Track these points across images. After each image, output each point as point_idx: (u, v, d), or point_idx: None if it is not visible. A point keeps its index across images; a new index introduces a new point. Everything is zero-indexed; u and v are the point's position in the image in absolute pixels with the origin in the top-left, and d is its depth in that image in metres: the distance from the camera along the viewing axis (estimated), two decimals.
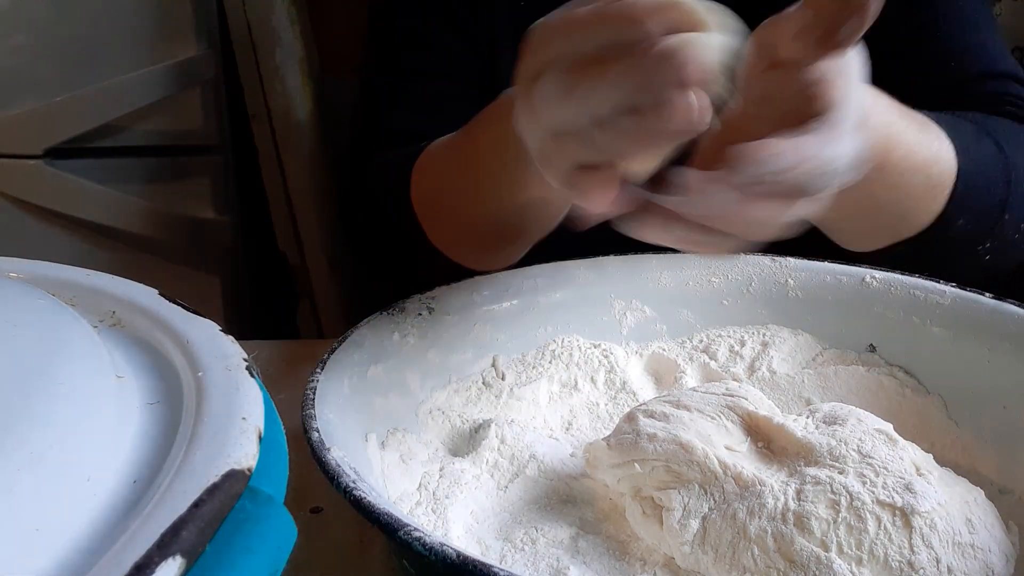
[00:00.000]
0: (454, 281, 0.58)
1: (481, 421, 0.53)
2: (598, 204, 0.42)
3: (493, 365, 0.56)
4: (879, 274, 0.58)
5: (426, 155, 0.70)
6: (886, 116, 0.54)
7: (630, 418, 0.46)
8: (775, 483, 0.41)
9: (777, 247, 0.61)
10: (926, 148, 0.58)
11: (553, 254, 0.61)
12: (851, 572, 0.38)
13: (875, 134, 0.53)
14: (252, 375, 0.32)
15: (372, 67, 0.84)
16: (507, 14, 0.77)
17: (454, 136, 0.66)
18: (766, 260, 0.60)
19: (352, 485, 0.37)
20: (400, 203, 0.71)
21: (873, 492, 0.40)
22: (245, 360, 0.32)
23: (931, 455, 0.45)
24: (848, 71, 0.43)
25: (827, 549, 0.38)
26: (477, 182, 0.63)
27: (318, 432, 0.41)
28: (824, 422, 0.45)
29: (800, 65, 0.42)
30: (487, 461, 0.49)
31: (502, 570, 0.32)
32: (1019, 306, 0.52)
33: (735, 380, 0.55)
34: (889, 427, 0.45)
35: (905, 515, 0.39)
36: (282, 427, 0.31)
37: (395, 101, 0.80)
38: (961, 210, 0.59)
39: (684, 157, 0.43)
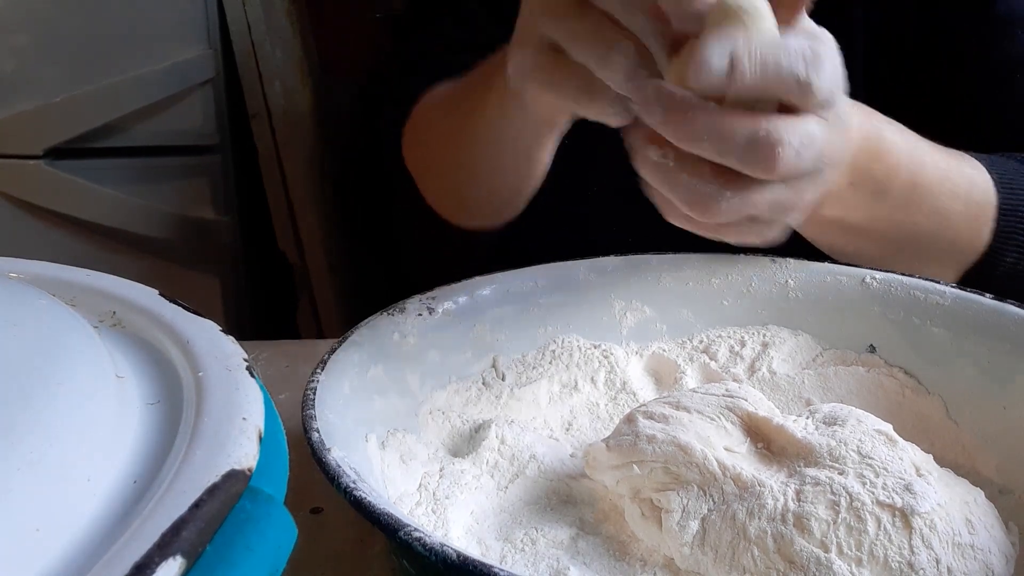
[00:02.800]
0: (454, 281, 0.58)
1: (481, 421, 0.53)
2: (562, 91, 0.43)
3: (493, 365, 0.56)
4: (879, 274, 0.58)
5: (420, 107, 0.71)
6: (903, 137, 0.55)
7: (629, 420, 0.46)
8: (775, 484, 0.41)
9: (777, 248, 0.61)
10: (958, 173, 0.58)
11: (553, 254, 0.61)
12: (851, 573, 0.38)
13: (896, 151, 0.54)
14: (252, 375, 0.32)
15: (404, 34, 0.84)
16: None
17: (447, 87, 0.68)
18: (766, 260, 0.60)
19: (352, 485, 0.37)
20: (396, 157, 0.72)
21: (873, 493, 0.40)
22: (245, 360, 0.32)
23: (931, 456, 0.45)
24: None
25: (827, 550, 0.38)
26: (461, 128, 0.64)
27: (318, 432, 0.41)
28: (824, 423, 0.45)
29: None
30: (487, 461, 0.49)
31: (502, 570, 0.32)
32: (1019, 306, 0.52)
33: (735, 381, 0.55)
34: (889, 428, 0.45)
35: (905, 516, 0.39)
36: (282, 427, 0.31)
37: (419, 67, 0.80)
38: (1008, 246, 0.59)
39: None
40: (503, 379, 0.56)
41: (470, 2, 0.79)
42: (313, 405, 0.43)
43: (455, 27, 0.79)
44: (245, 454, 0.27)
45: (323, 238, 1.48)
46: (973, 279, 0.60)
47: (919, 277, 0.57)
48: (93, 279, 0.40)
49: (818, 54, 0.40)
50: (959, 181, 0.58)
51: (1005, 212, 0.59)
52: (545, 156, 0.62)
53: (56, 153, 1.29)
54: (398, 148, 0.74)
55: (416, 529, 0.34)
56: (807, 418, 0.46)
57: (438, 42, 0.79)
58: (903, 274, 0.57)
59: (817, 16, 0.44)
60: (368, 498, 0.36)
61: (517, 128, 0.58)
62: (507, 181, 0.67)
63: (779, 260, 0.60)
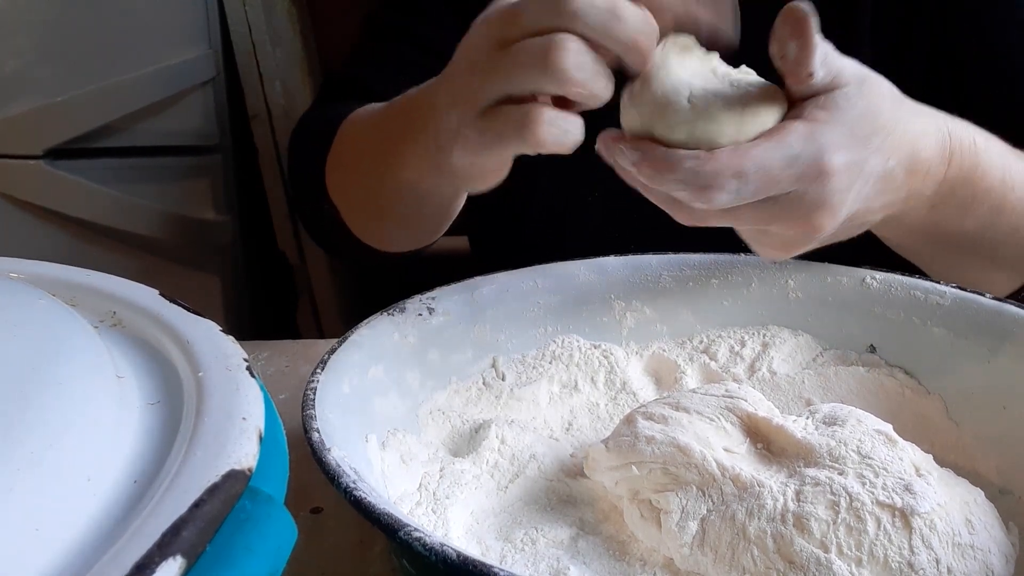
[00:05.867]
0: (454, 281, 0.58)
1: (481, 421, 0.53)
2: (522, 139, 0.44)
3: (493, 365, 0.56)
4: (879, 274, 0.58)
5: (357, 114, 0.71)
6: (999, 159, 0.56)
7: (629, 420, 0.46)
8: (774, 484, 0.41)
9: None
10: None
11: (553, 254, 0.61)
12: (851, 573, 0.38)
13: (990, 176, 0.55)
14: (252, 375, 0.32)
15: (372, 25, 0.84)
16: None
17: (371, 112, 0.68)
18: (766, 260, 0.60)
19: (352, 485, 0.37)
20: (314, 160, 0.73)
21: (873, 493, 0.40)
22: (245, 360, 0.32)
23: (931, 456, 0.45)
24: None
25: (827, 550, 0.38)
26: (378, 171, 0.64)
27: (318, 432, 0.41)
28: (824, 423, 0.45)
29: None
30: (487, 461, 0.49)
31: (502, 570, 0.32)
32: (1019, 306, 0.52)
33: (735, 381, 0.55)
34: (889, 428, 0.45)
35: (905, 516, 0.39)
36: (282, 427, 0.31)
37: (369, 56, 0.80)
38: None
39: None
40: (503, 379, 0.56)
41: (439, 6, 0.78)
42: (313, 405, 0.43)
43: (423, 28, 0.79)
44: (245, 454, 0.27)
45: None
46: None
47: (919, 277, 0.57)
48: (93, 279, 0.40)
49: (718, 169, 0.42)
50: None
51: None
52: (458, 207, 0.64)
53: (56, 153, 1.29)
54: (321, 164, 0.74)
55: (416, 529, 0.34)
56: (807, 418, 0.46)
57: (392, 34, 0.79)
58: (903, 274, 0.57)
59: (823, 25, 0.45)
60: (368, 498, 0.36)
61: (433, 187, 0.59)
62: (421, 225, 0.69)
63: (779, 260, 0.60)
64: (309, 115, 0.82)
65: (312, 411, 0.43)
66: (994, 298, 0.53)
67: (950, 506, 0.40)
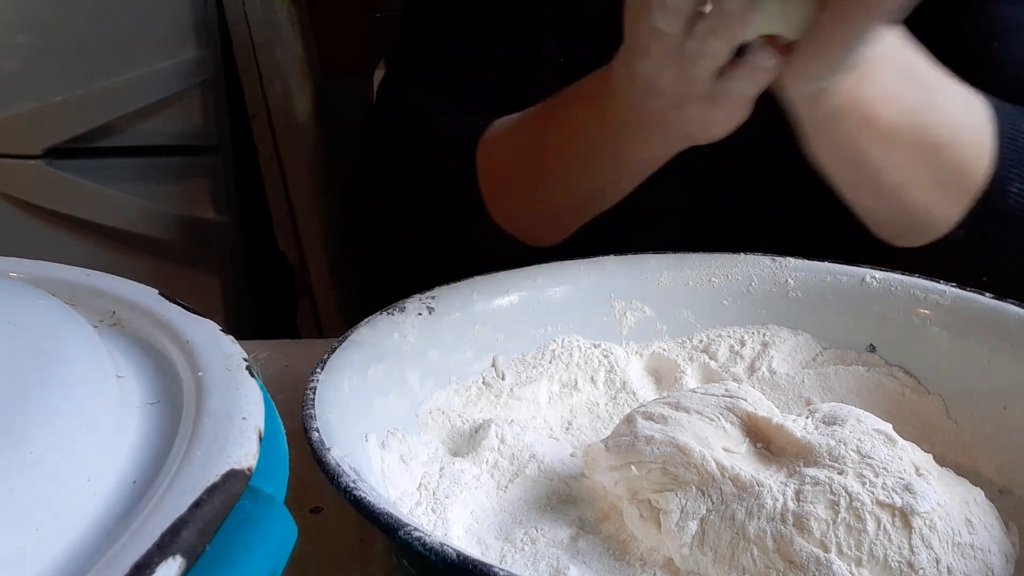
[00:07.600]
0: (454, 281, 0.58)
1: (481, 421, 0.53)
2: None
3: (493, 365, 0.56)
4: (879, 274, 0.58)
5: (492, 133, 0.72)
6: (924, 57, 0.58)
7: (628, 420, 0.46)
8: (774, 484, 0.41)
9: (777, 247, 0.61)
10: (963, 90, 0.60)
11: (553, 254, 0.61)
12: (851, 573, 0.38)
13: (919, 57, 0.57)
14: (252, 375, 0.32)
15: (402, 47, 0.84)
16: (552, 8, 0.77)
17: (524, 115, 0.69)
18: (766, 260, 0.60)
19: (352, 485, 0.37)
20: (460, 178, 0.73)
21: (872, 493, 0.40)
22: (245, 360, 0.32)
23: (931, 455, 0.45)
24: None
25: (827, 550, 0.38)
26: (555, 162, 0.66)
27: (318, 432, 0.41)
28: (823, 422, 0.45)
29: None
30: (487, 461, 0.49)
31: (502, 570, 0.32)
32: (1019, 306, 0.52)
33: (735, 380, 0.55)
34: (888, 427, 0.45)
35: (905, 516, 0.39)
36: (282, 427, 0.31)
37: (418, 79, 0.81)
38: (1011, 174, 0.60)
39: None
40: (503, 379, 0.56)
41: (468, 11, 0.79)
42: (313, 405, 0.43)
43: (452, 37, 0.79)
44: (245, 454, 0.27)
45: (323, 238, 1.48)
46: (983, 215, 0.61)
47: (919, 276, 0.57)
48: (93, 279, 0.40)
49: None
50: (966, 97, 0.60)
51: (1010, 138, 0.60)
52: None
53: (56, 153, 1.29)
54: (452, 171, 0.75)
55: (416, 529, 0.34)
56: (807, 418, 0.46)
57: (436, 54, 0.80)
58: (903, 273, 0.57)
59: None
60: (368, 498, 0.36)
61: (616, 179, 0.63)
62: (585, 216, 0.71)
63: (779, 259, 0.60)
64: (397, 140, 0.82)
65: (312, 411, 0.43)
66: (994, 297, 0.53)
67: (950, 506, 0.40)
